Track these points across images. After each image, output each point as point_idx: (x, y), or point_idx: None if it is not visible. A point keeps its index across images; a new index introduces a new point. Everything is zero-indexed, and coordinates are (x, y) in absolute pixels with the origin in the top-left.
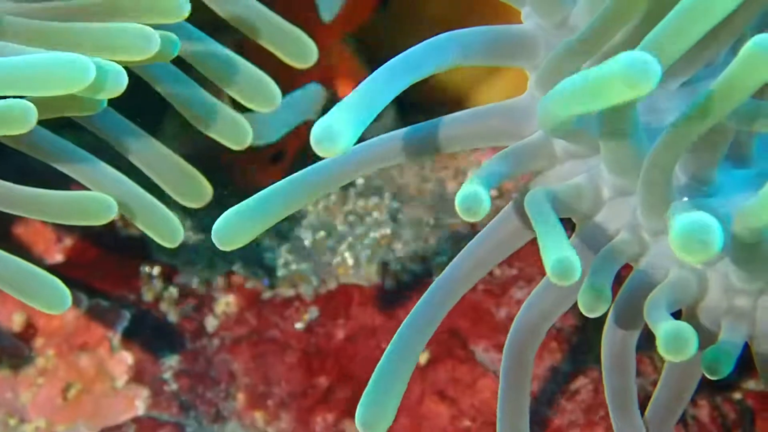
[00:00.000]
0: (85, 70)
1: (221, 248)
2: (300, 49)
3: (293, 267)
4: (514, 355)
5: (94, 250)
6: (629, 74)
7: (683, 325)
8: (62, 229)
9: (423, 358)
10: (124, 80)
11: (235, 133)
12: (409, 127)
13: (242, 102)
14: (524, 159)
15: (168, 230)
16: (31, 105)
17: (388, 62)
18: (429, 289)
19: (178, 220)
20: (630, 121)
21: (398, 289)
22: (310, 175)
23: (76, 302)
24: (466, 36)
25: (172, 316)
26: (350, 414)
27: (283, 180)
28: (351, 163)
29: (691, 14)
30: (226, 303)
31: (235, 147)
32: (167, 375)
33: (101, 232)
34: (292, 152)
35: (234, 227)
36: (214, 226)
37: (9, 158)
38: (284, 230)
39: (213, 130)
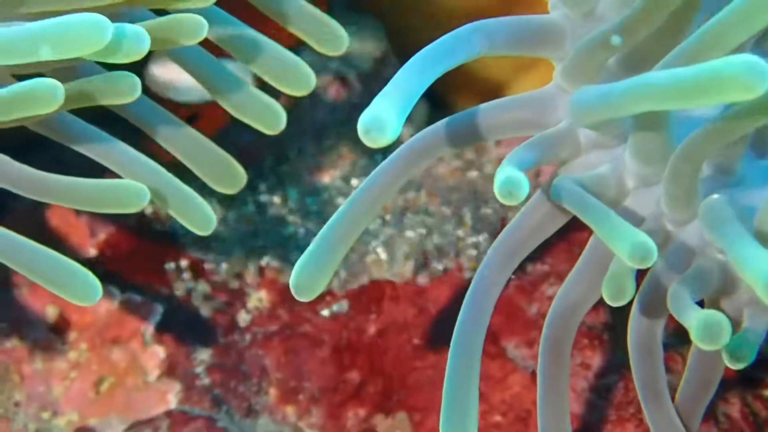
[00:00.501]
0: (102, 29)
1: (301, 300)
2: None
3: None
4: (551, 351)
5: (127, 245)
6: (747, 77)
7: (716, 314)
8: (96, 223)
9: None
10: (147, 42)
11: (268, 118)
12: (441, 122)
13: (272, 83)
14: (550, 148)
15: (200, 217)
16: (58, 83)
17: (419, 53)
18: (470, 288)
19: (210, 208)
20: (664, 112)
21: (430, 285)
22: (367, 193)
23: (108, 296)
24: (492, 26)
25: (205, 311)
26: (382, 409)
27: (342, 207)
28: (399, 167)
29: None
30: (258, 299)
31: (268, 132)
32: (199, 369)
33: (134, 227)
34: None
35: (310, 274)
36: (292, 279)
37: (43, 148)
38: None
39: (246, 114)
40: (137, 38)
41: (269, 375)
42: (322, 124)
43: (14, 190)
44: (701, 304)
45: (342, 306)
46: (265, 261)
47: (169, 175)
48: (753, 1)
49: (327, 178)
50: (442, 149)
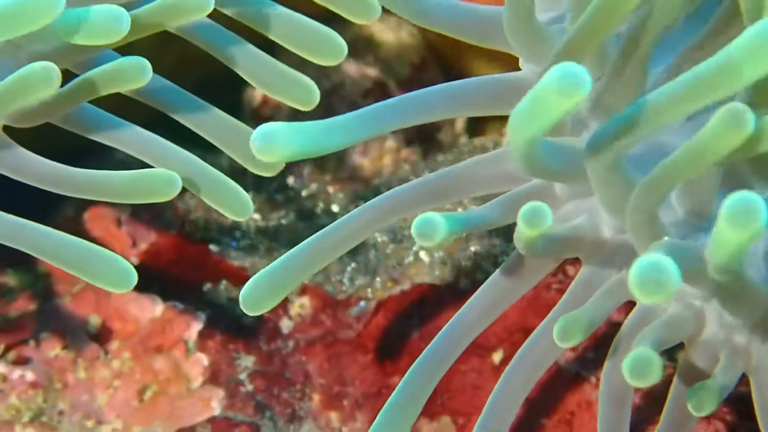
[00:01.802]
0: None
1: (250, 314)
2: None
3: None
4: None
5: (169, 253)
6: (563, 85)
7: (648, 351)
8: (137, 233)
9: (497, 357)
10: (123, 24)
11: (302, 95)
12: (421, 179)
13: (305, 56)
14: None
15: (236, 203)
16: (51, 64)
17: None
18: (425, 351)
19: (245, 193)
20: (616, 161)
21: (472, 288)
22: (332, 232)
23: (151, 305)
24: (457, 89)
25: (247, 318)
26: (426, 413)
27: (306, 240)
28: (373, 215)
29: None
30: (301, 305)
31: (303, 108)
32: (243, 376)
33: (175, 235)
34: None
35: (262, 290)
36: (242, 295)
37: (84, 159)
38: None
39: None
40: (110, 18)
41: (312, 381)
42: None
43: (45, 187)
44: (681, 345)
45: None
46: None
47: (202, 161)
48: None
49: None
50: (419, 206)
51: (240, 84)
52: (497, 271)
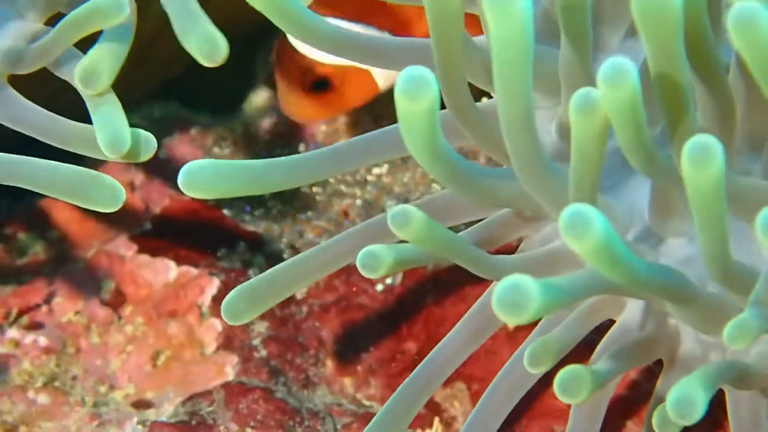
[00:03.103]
0: None
1: (229, 322)
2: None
3: None
4: None
5: (183, 218)
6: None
7: (581, 368)
8: (151, 197)
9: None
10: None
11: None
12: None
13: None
14: (502, 230)
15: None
16: None
17: None
18: (413, 373)
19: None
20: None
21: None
22: (320, 252)
23: (165, 269)
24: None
25: None
26: None
27: (291, 258)
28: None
29: None
30: None
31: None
32: (257, 341)
33: (189, 200)
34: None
35: (242, 304)
36: (224, 303)
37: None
38: (370, 200)
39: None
40: None
41: (326, 346)
42: None
43: (37, 136)
44: (660, 362)
45: (397, 277)
46: (317, 233)
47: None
48: None
49: None
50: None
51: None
52: (485, 293)
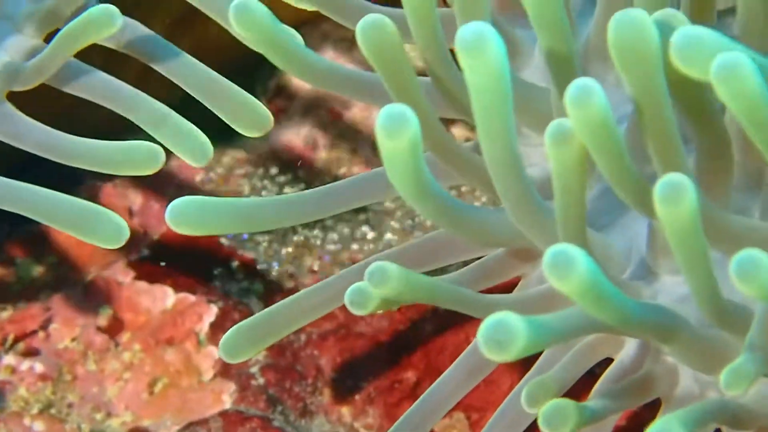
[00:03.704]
0: None
1: (226, 360)
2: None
3: None
4: None
5: (181, 245)
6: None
7: (566, 402)
8: (149, 224)
9: None
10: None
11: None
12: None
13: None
14: (499, 269)
15: (196, 148)
16: (113, 7)
17: None
18: (413, 406)
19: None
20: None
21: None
22: (318, 292)
23: (162, 296)
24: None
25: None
26: None
27: (290, 297)
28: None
29: None
30: None
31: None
32: (254, 369)
33: None
34: None
35: (240, 342)
36: (222, 341)
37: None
38: (374, 222)
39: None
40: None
41: (324, 375)
42: None
43: (34, 151)
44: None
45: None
46: (317, 262)
47: (165, 107)
48: None
49: None
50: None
51: (255, 73)
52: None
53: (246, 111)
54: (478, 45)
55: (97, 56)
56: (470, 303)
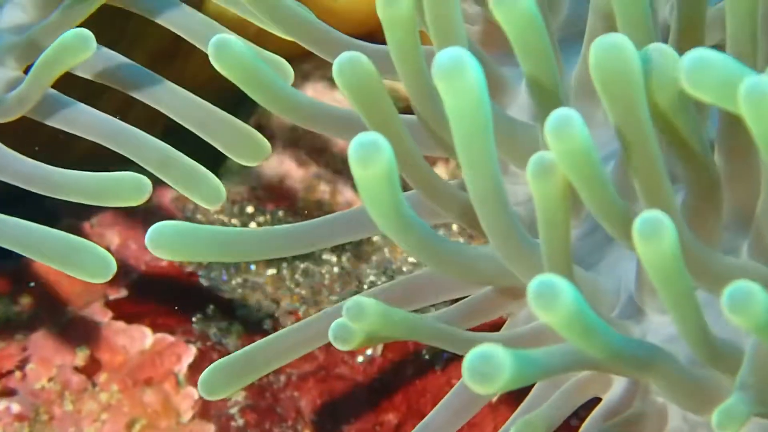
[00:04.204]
0: None
1: (207, 398)
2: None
3: None
4: None
5: (159, 285)
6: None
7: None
8: (127, 264)
9: (495, 396)
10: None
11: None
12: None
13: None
14: (485, 307)
15: (208, 190)
16: (86, 31)
17: None
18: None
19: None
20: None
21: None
22: (299, 330)
23: (140, 337)
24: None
25: None
26: None
27: (269, 336)
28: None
29: None
30: None
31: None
32: (234, 410)
33: (165, 267)
34: None
35: (219, 379)
36: (200, 378)
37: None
38: (350, 271)
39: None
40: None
41: (305, 417)
42: None
43: (18, 184)
44: None
45: (377, 349)
46: (296, 303)
47: (171, 148)
48: None
49: None
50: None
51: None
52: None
53: (243, 140)
54: (455, 68)
55: (74, 89)
56: (451, 338)
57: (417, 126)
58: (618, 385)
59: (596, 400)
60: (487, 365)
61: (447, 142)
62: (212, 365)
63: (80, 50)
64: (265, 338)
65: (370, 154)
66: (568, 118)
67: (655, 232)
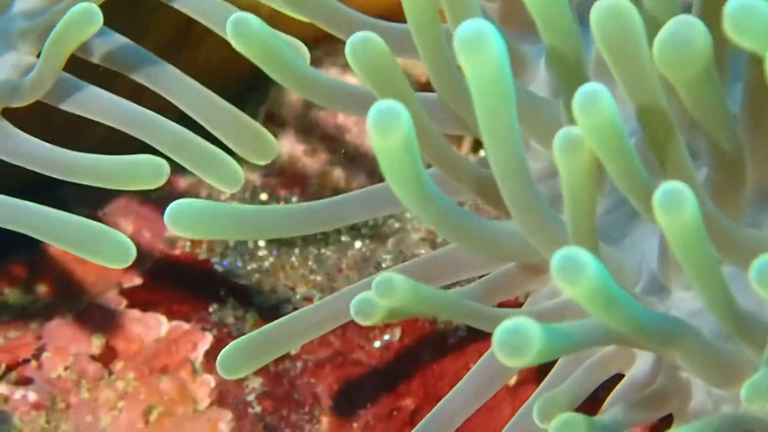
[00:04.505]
0: None
1: (224, 377)
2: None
3: None
4: None
5: (174, 273)
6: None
7: (576, 416)
8: (141, 252)
9: (512, 379)
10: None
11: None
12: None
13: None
14: (507, 284)
15: (227, 174)
16: (93, 5)
17: None
18: (432, 411)
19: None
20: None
21: None
22: (312, 313)
23: (156, 325)
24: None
25: None
26: None
27: (287, 316)
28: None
29: None
30: None
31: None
32: (251, 397)
33: (180, 255)
34: None
35: (237, 359)
36: (219, 357)
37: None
38: (367, 255)
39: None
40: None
41: (321, 403)
42: None
43: (35, 168)
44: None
45: (395, 334)
46: (312, 290)
47: (190, 132)
48: None
49: None
50: None
51: (244, 99)
52: (488, 352)
53: (251, 138)
54: (477, 39)
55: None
56: (478, 315)
57: (433, 105)
58: (641, 361)
59: (618, 378)
60: (517, 338)
61: (466, 120)
62: (231, 344)
63: (87, 24)
64: (284, 317)
65: (389, 121)
66: (596, 93)
67: (676, 202)
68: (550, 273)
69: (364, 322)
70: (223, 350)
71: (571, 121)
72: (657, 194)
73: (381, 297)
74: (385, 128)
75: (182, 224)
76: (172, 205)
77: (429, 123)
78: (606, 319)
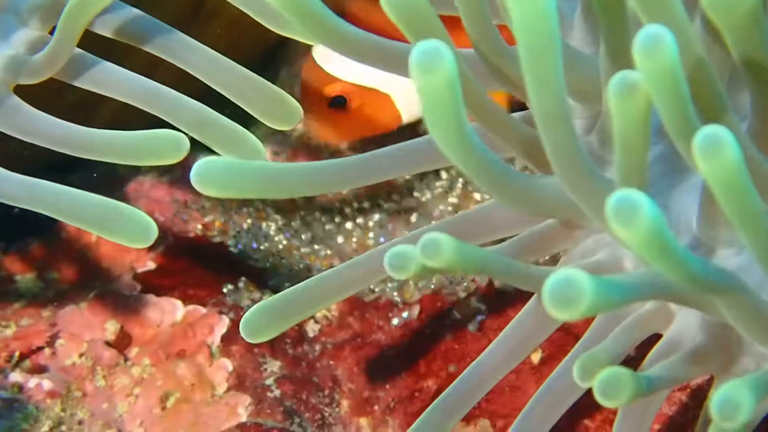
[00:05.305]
0: None
1: (249, 341)
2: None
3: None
4: None
5: (188, 257)
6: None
7: (622, 371)
8: None
9: (536, 357)
10: None
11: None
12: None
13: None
14: (541, 243)
15: (247, 149)
16: None
17: None
18: (460, 376)
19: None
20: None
21: (506, 287)
22: (336, 274)
23: (171, 309)
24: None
25: None
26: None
27: (310, 279)
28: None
29: None
30: (327, 308)
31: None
32: (269, 381)
33: (193, 238)
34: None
35: (261, 322)
36: (242, 321)
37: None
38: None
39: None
40: None
41: (341, 386)
42: None
43: (49, 146)
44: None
45: (414, 311)
46: (328, 266)
47: (209, 109)
48: None
49: None
50: None
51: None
52: (522, 311)
53: (275, 104)
54: None
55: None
56: (521, 275)
57: (472, 62)
58: (680, 320)
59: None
60: (569, 289)
61: (507, 74)
62: (255, 306)
63: None
64: (309, 279)
65: (433, 60)
66: (659, 35)
67: (717, 145)
68: (584, 230)
69: (399, 276)
70: (247, 312)
71: (612, 69)
72: (696, 139)
73: (427, 258)
74: (429, 66)
75: (209, 183)
76: (198, 163)
77: (468, 72)
78: (659, 265)
